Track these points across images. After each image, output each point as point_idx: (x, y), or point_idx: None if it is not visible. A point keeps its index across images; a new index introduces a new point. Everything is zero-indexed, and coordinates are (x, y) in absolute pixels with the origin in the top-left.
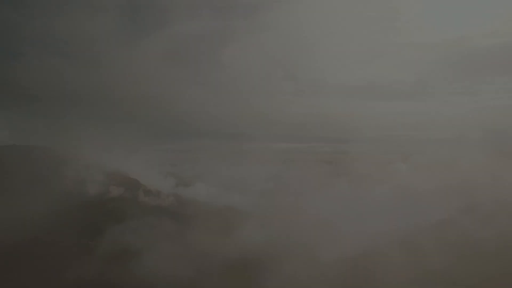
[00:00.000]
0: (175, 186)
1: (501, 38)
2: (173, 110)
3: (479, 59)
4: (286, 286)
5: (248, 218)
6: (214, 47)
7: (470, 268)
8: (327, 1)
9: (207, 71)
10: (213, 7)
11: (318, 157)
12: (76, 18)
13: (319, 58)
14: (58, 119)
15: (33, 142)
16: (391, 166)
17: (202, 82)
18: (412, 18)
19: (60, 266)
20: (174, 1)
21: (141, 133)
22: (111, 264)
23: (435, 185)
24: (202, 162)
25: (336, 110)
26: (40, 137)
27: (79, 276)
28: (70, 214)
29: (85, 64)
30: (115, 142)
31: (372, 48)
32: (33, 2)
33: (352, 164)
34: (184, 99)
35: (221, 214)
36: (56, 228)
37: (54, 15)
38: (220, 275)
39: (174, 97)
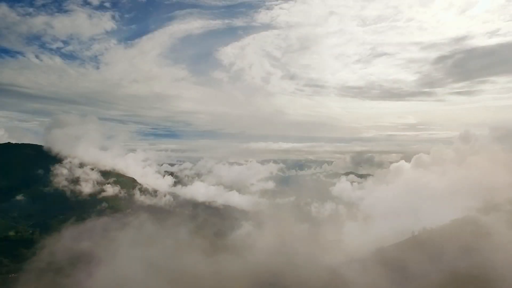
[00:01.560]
0: (173, 185)
1: (502, 37)
2: (173, 110)
3: (480, 58)
4: None
5: (248, 217)
6: (214, 47)
7: (495, 271)
8: (327, 1)
9: (207, 71)
10: (213, 7)
11: (318, 156)
12: (76, 17)
13: (319, 58)
14: (54, 118)
15: (28, 140)
16: (395, 166)
17: (202, 81)
18: (413, 17)
19: None
20: (174, 1)
21: (140, 132)
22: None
23: (447, 184)
24: (202, 162)
25: (336, 110)
26: (35, 135)
27: None
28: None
29: (85, 64)
30: (113, 141)
31: (373, 48)
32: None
33: (354, 164)
34: (184, 98)
35: (219, 213)
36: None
37: (54, 14)
38: None
39: (174, 96)
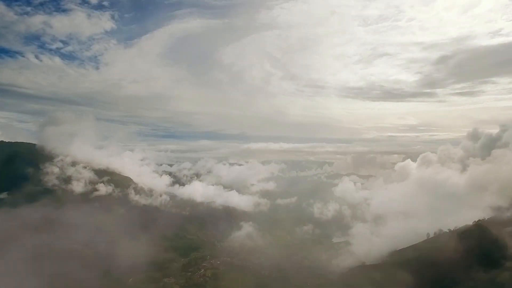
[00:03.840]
0: (170, 185)
1: (505, 37)
2: (173, 110)
3: (482, 59)
4: None
5: (248, 218)
6: (214, 47)
7: None
8: (328, 0)
9: (207, 71)
10: (213, 6)
11: (319, 157)
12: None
13: (320, 58)
14: (49, 116)
15: (23, 139)
16: (400, 165)
17: (202, 82)
18: (415, 17)
19: None
20: (174, 1)
21: (140, 132)
22: None
23: (466, 182)
24: (201, 162)
25: (336, 111)
26: (29, 134)
27: None
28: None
29: (85, 65)
30: (110, 140)
31: (374, 48)
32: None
33: (355, 165)
34: (184, 99)
35: (218, 213)
36: None
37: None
38: None
39: (174, 97)
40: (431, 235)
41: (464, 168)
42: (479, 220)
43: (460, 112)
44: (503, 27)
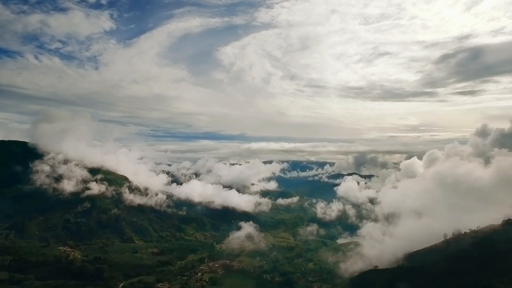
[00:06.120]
0: (168, 184)
1: (507, 36)
2: (173, 111)
3: (484, 57)
4: None
5: (248, 218)
6: (213, 47)
7: None
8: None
9: (207, 71)
10: (212, 5)
11: (320, 157)
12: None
13: (320, 58)
14: (42, 113)
15: (16, 137)
16: (406, 163)
17: (202, 82)
18: (417, 15)
19: None
20: (173, 0)
21: (139, 133)
22: None
23: (487, 179)
24: (201, 161)
25: (337, 112)
26: (23, 133)
27: None
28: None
29: (84, 65)
30: (106, 138)
31: (375, 47)
32: None
33: (357, 165)
34: (184, 99)
35: (215, 213)
36: None
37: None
38: None
39: (174, 97)
40: (449, 235)
41: (486, 161)
42: (509, 219)
43: (461, 111)
44: (505, 25)
